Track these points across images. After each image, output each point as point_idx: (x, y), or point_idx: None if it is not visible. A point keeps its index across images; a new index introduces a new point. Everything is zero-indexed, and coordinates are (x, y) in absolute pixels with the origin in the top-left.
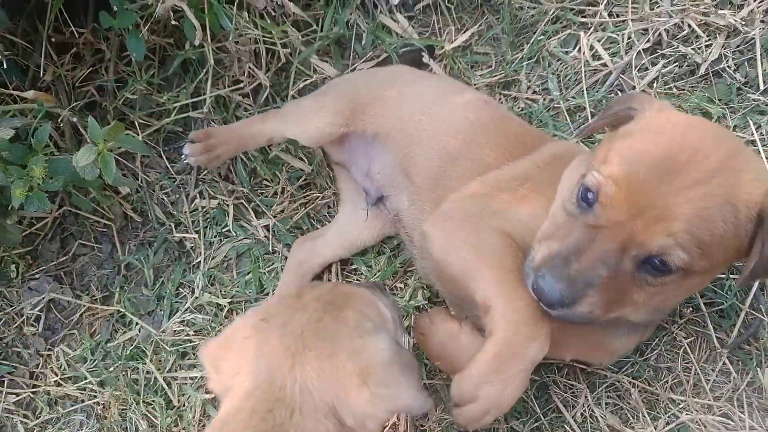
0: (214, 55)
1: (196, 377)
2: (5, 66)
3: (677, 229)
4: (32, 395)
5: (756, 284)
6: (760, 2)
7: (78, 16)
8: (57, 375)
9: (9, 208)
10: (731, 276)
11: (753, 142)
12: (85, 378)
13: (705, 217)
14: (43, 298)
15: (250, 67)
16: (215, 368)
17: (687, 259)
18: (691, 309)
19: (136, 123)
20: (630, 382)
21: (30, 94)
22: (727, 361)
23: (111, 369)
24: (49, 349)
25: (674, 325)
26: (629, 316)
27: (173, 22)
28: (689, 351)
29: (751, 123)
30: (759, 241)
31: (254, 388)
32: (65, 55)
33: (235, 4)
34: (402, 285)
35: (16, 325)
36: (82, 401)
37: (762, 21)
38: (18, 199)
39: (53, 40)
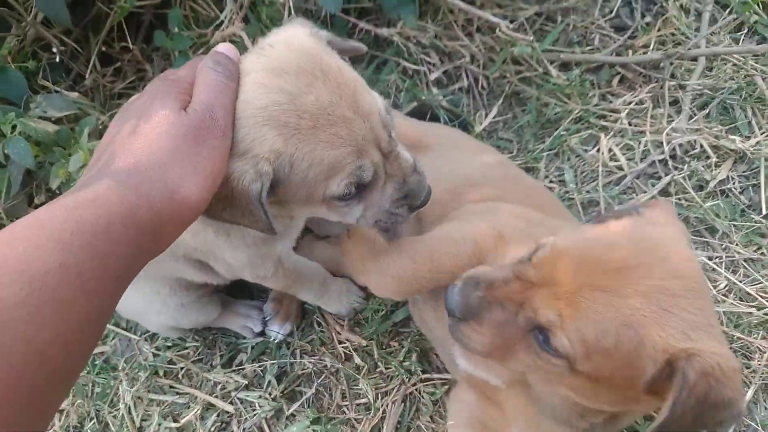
0: None
1: (166, 401)
2: (58, 59)
3: (567, 314)
4: None
5: None
6: (766, 136)
7: (130, 33)
8: None
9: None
10: None
11: (753, 259)
12: None
13: (597, 321)
14: None
15: None
16: None
17: (569, 348)
18: None
19: None
20: None
21: (74, 95)
22: None
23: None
24: None
25: None
26: (532, 384)
27: None
28: None
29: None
30: (671, 395)
31: None
32: (108, 68)
33: None
34: (396, 344)
35: None
36: None
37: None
38: (59, 178)
39: (103, 49)
